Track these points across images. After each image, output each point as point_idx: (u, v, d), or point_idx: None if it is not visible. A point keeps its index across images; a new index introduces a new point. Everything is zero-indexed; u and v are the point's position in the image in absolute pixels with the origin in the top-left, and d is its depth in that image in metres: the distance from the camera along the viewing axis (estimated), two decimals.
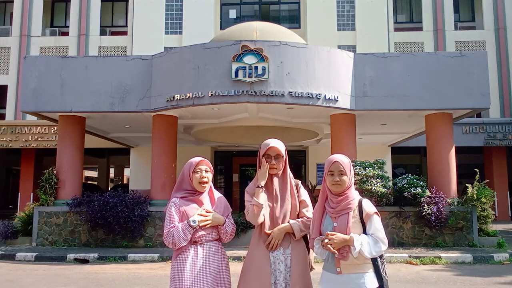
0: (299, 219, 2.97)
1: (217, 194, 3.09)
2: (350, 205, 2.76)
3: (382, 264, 2.75)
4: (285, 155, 3.01)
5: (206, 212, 2.92)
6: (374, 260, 2.71)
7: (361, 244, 2.65)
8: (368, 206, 2.78)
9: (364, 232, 2.74)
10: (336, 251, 2.64)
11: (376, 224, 2.74)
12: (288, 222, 2.93)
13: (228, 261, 3.11)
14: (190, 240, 2.87)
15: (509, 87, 18.08)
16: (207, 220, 2.89)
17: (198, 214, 2.88)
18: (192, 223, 2.84)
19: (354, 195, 2.81)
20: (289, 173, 3.03)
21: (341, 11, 18.27)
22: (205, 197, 3.00)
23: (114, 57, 15.71)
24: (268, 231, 2.90)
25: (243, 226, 9.85)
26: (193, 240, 2.89)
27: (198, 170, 2.97)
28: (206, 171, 2.99)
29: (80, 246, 10.08)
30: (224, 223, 2.97)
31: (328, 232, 2.68)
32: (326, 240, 2.65)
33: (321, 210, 2.85)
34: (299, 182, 3.12)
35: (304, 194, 3.06)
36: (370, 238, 2.71)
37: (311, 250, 3.04)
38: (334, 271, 2.72)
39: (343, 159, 2.83)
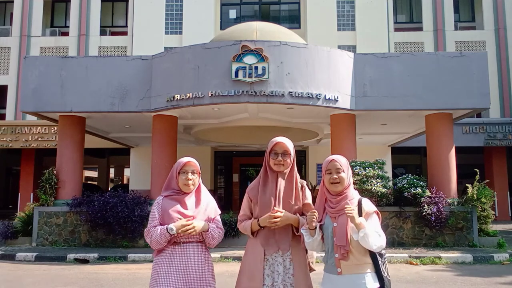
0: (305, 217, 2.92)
1: (205, 196, 3.02)
2: None
3: (383, 264, 2.72)
4: (293, 154, 2.96)
5: (187, 219, 2.84)
6: (374, 260, 2.69)
7: (365, 232, 2.61)
8: (368, 205, 2.77)
9: None
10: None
11: (375, 223, 2.73)
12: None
13: (213, 264, 3.03)
14: (169, 241, 2.84)
15: (509, 87, 18.07)
16: (188, 229, 2.80)
17: (181, 224, 2.80)
18: (169, 231, 2.79)
19: (353, 195, 2.81)
20: (296, 173, 2.98)
21: (341, 11, 18.27)
22: (189, 198, 2.94)
23: (114, 57, 15.71)
24: (277, 210, 2.82)
25: None
26: (172, 240, 2.85)
27: (184, 171, 2.93)
28: (193, 173, 2.94)
29: (80, 246, 10.08)
30: (208, 229, 2.90)
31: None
32: (345, 209, 2.62)
33: (321, 210, 2.83)
34: (305, 183, 3.05)
35: (309, 197, 3.02)
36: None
37: (310, 252, 3.03)
38: (334, 272, 2.71)
39: (340, 158, 2.84)
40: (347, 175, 2.79)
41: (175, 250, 2.85)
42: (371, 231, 2.64)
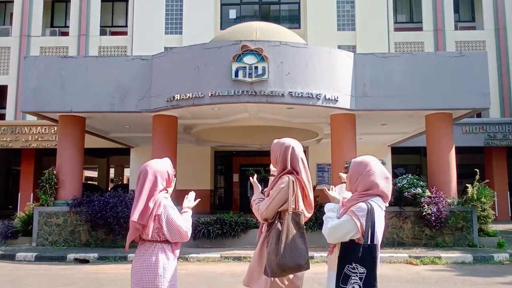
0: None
1: None
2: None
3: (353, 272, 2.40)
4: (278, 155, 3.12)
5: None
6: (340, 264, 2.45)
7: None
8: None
9: None
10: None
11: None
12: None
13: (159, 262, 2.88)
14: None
15: (509, 87, 18.07)
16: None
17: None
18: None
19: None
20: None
21: (341, 11, 18.27)
22: None
23: (114, 57, 15.70)
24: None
25: (243, 226, 9.83)
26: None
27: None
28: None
29: (80, 246, 10.08)
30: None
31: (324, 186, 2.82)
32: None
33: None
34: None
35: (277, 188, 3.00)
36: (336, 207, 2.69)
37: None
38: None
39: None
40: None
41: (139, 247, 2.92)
42: (329, 215, 2.59)
